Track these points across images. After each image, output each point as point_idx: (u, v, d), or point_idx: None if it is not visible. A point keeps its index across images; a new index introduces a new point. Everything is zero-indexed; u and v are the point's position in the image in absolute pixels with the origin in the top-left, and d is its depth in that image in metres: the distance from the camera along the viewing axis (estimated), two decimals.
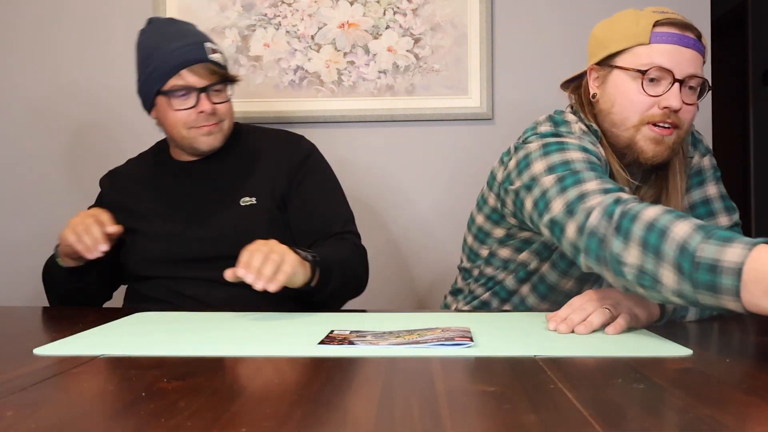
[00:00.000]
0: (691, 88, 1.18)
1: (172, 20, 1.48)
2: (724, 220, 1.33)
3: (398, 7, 2.06)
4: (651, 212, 0.92)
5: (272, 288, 1.10)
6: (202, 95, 1.38)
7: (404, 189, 2.09)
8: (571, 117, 1.26)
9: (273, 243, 1.15)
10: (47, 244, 2.14)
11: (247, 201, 1.43)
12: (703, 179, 1.35)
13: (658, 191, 1.28)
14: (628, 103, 1.19)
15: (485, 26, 2.03)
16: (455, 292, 1.52)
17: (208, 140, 1.42)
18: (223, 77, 1.41)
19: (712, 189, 1.34)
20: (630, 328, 1.01)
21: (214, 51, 1.42)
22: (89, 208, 1.51)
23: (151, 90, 1.41)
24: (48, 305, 1.50)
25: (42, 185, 2.17)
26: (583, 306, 1.03)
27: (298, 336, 0.99)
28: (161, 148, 1.57)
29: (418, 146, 2.08)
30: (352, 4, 2.07)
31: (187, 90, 1.38)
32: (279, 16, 2.07)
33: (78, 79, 2.16)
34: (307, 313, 1.23)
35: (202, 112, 1.38)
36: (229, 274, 1.11)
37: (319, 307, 1.28)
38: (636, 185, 1.28)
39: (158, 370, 0.78)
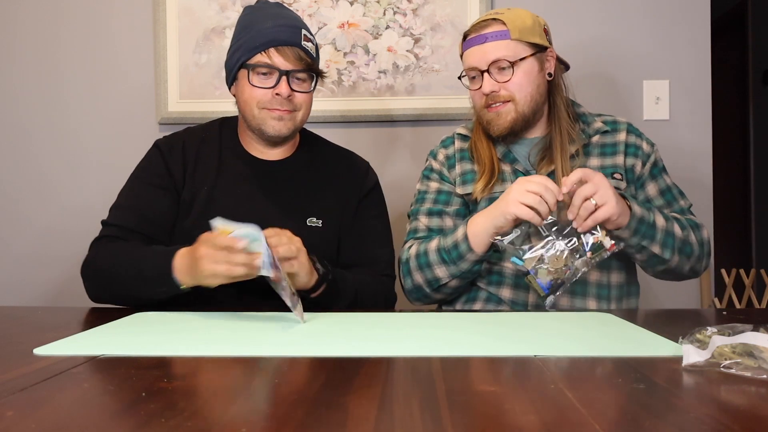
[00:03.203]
0: (501, 69, 1.42)
1: (279, 4, 1.46)
2: (682, 203, 1.48)
3: (398, 7, 2.07)
4: (429, 245, 1.40)
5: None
6: (283, 78, 1.36)
7: (404, 189, 2.09)
8: (459, 129, 1.60)
9: (297, 239, 1.19)
10: (47, 244, 2.14)
11: (313, 222, 1.42)
12: (660, 169, 1.50)
13: (549, 159, 1.46)
14: (472, 99, 1.51)
15: None
16: None
17: (277, 125, 1.38)
18: (309, 66, 1.38)
19: (668, 179, 1.50)
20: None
21: (308, 40, 1.39)
22: (143, 167, 1.42)
23: (237, 62, 1.38)
24: (44, 305, 1.49)
25: (42, 185, 2.17)
26: (582, 190, 1.22)
27: (297, 336, 0.99)
28: (228, 132, 1.49)
29: (418, 146, 2.08)
30: (352, 4, 2.07)
31: (270, 69, 1.36)
32: None
33: (78, 78, 2.16)
34: (306, 313, 1.23)
35: (278, 94, 1.36)
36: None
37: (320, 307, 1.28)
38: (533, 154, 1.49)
39: (158, 370, 0.78)
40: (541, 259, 1.21)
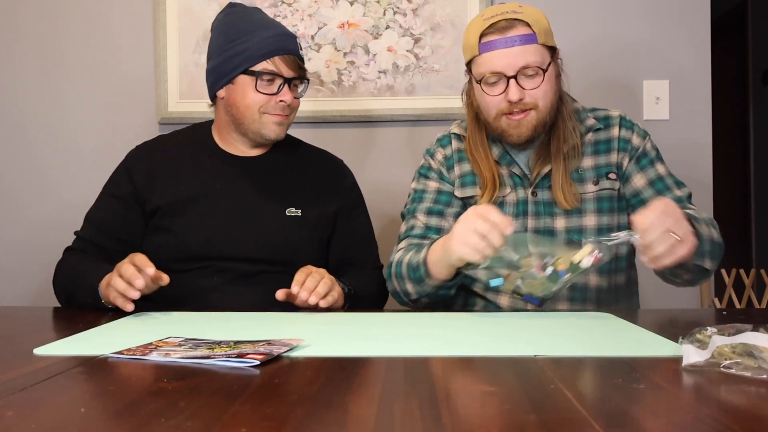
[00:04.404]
0: (529, 75, 1.33)
1: (258, 9, 1.53)
2: (678, 192, 1.41)
3: (398, 7, 2.06)
4: (405, 257, 1.35)
5: (324, 304, 1.24)
6: (286, 86, 1.43)
7: (404, 189, 2.09)
8: (454, 128, 1.51)
9: (323, 271, 1.30)
10: (47, 244, 2.14)
11: (292, 212, 1.48)
12: (651, 159, 1.44)
13: (548, 158, 1.40)
14: (485, 104, 1.38)
15: None
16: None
17: (277, 129, 1.45)
18: (305, 73, 1.47)
19: (661, 168, 1.43)
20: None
21: (301, 48, 1.48)
22: (110, 179, 1.52)
23: (237, 67, 1.42)
24: (49, 305, 1.50)
25: (42, 185, 2.17)
26: (663, 221, 1.10)
27: (297, 336, 0.99)
28: (201, 134, 1.56)
29: (418, 146, 2.08)
30: (352, 4, 2.07)
31: (274, 76, 1.42)
32: (279, 16, 2.07)
33: (78, 78, 2.15)
34: (304, 313, 1.23)
35: (282, 101, 1.42)
36: (281, 295, 1.24)
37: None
38: (531, 158, 1.43)
39: (158, 370, 0.78)
40: (518, 285, 1.16)
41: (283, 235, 1.45)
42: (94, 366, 0.81)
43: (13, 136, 2.17)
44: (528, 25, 1.32)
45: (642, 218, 1.11)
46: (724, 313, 1.32)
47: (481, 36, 1.34)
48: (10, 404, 0.65)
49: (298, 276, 1.26)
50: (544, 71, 1.33)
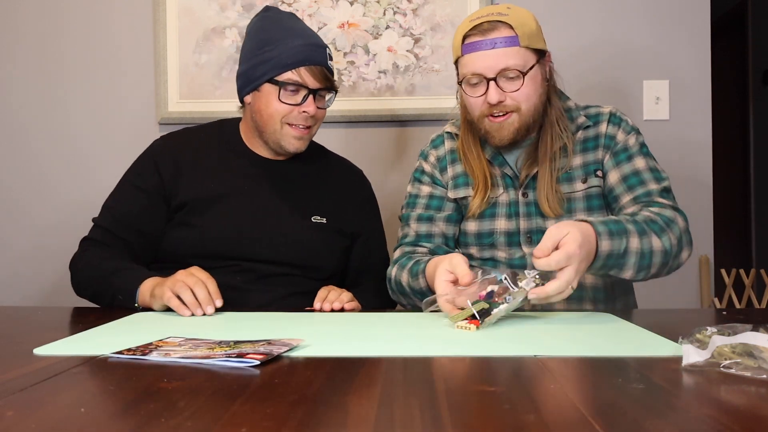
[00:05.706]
0: (509, 78, 1.33)
1: (293, 15, 1.51)
2: (653, 186, 1.37)
3: (398, 7, 2.07)
4: (402, 275, 1.38)
5: (348, 307, 1.30)
6: (310, 96, 1.41)
7: (403, 189, 2.09)
8: (448, 127, 1.53)
9: (343, 289, 1.36)
10: (47, 244, 2.14)
11: (317, 219, 1.49)
12: (630, 154, 1.41)
13: (533, 161, 1.41)
14: (469, 105, 1.39)
15: None
16: None
17: (296, 143, 1.45)
18: (332, 85, 1.45)
19: (640, 162, 1.40)
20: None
21: (330, 58, 1.46)
22: (134, 169, 1.49)
23: (263, 75, 1.42)
24: (50, 305, 1.50)
25: (42, 185, 2.17)
26: (558, 260, 1.09)
27: (296, 336, 0.99)
28: (228, 131, 1.54)
29: (418, 146, 2.08)
30: (352, 4, 2.07)
31: (298, 87, 1.41)
32: None
33: (78, 78, 2.16)
34: (304, 313, 1.23)
35: (305, 112, 1.41)
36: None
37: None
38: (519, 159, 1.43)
39: (158, 370, 0.78)
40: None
41: (309, 241, 1.46)
42: (94, 366, 0.81)
43: (13, 136, 2.17)
44: (511, 27, 1.32)
45: (545, 261, 1.09)
46: (724, 313, 1.32)
47: (465, 37, 1.35)
48: (10, 404, 0.65)
49: (321, 293, 1.33)
50: (524, 74, 1.32)
